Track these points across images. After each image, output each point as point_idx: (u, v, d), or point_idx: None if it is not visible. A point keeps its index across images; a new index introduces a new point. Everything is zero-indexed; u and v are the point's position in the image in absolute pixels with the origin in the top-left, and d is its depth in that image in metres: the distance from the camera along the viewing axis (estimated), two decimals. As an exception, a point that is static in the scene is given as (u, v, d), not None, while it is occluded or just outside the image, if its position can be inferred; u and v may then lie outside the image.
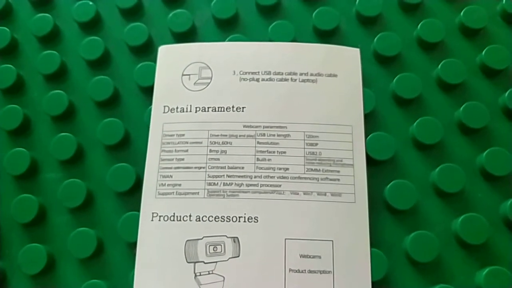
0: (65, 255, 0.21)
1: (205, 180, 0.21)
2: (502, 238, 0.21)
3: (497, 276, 0.20)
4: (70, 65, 0.25)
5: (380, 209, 0.21)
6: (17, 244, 0.22)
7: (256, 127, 0.21)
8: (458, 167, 0.22)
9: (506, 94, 0.23)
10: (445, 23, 0.25)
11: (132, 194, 0.22)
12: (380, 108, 0.23)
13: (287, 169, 0.21)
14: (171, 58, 0.23)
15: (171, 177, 0.21)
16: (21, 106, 0.24)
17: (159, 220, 0.20)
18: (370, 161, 0.21)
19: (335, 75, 0.22)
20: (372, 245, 0.20)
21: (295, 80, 0.22)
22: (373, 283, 0.19)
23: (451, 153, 0.23)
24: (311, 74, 0.22)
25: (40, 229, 0.22)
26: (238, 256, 0.20)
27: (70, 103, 0.24)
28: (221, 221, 0.20)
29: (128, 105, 0.24)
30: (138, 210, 0.20)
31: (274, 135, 0.21)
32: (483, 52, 0.24)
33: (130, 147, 0.23)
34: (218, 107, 0.22)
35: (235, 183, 0.21)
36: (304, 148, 0.21)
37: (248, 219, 0.20)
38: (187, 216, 0.20)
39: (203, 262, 0.20)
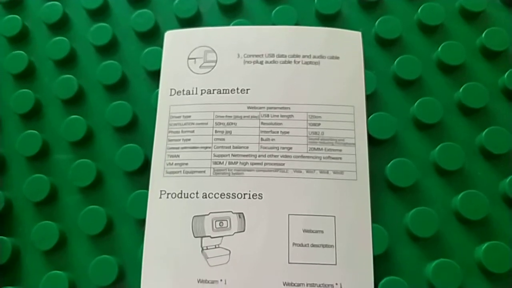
0: (76, 232, 0.22)
1: (211, 159, 0.21)
2: (501, 214, 0.22)
3: (496, 251, 0.20)
4: (79, 51, 0.26)
5: (382, 187, 0.22)
6: (30, 222, 0.22)
7: (260, 108, 0.22)
8: (458, 146, 0.22)
9: (506, 75, 0.23)
10: (445, 6, 0.25)
11: (140, 174, 0.22)
12: (382, 90, 0.24)
13: (291, 148, 0.21)
14: (177, 42, 0.24)
15: (178, 156, 0.22)
16: (33, 91, 0.24)
17: (167, 198, 0.21)
18: (372, 141, 0.22)
19: (337, 58, 0.23)
20: (373, 221, 0.20)
21: (298, 62, 0.23)
22: (374, 257, 0.20)
23: (451, 133, 0.23)
24: (314, 57, 0.23)
25: (52, 207, 0.23)
26: (243, 231, 0.20)
27: (80, 87, 0.24)
28: (226, 198, 0.21)
29: (136, 89, 0.25)
30: (147, 189, 0.21)
31: (277, 115, 0.22)
32: (483, 35, 0.24)
33: (138, 129, 0.24)
34: (223, 89, 0.22)
35: (240, 162, 0.21)
36: (307, 128, 0.22)
37: (252, 196, 0.21)
38: (194, 194, 0.21)
39: (209, 236, 0.20)
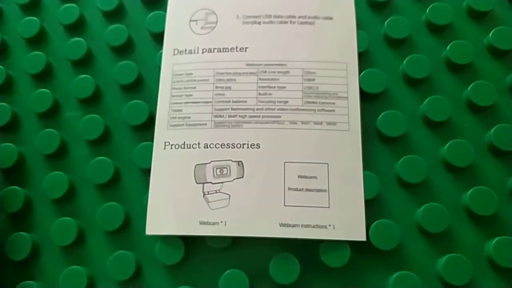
0: (84, 182, 0.24)
1: (211, 112, 0.23)
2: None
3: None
4: (88, 17, 0.27)
5: (373, 138, 0.23)
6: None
7: (258, 65, 0.23)
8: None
9: None
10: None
11: (145, 128, 0.24)
12: (373, 48, 0.25)
13: (287, 102, 0.23)
14: (179, 6, 0.25)
15: (181, 111, 0.23)
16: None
17: (171, 148, 0.22)
18: (364, 95, 0.23)
19: (331, 18, 0.24)
20: (365, 168, 0.22)
21: (294, 22, 0.24)
22: (366, 201, 0.21)
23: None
24: (309, 17, 0.24)
25: (62, 160, 0.24)
26: (242, 177, 0.22)
27: (89, 49, 0.26)
28: (226, 148, 0.22)
29: (141, 50, 0.26)
30: (152, 141, 0.22)
31: (274, 72, 0.23)
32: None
33: (143, 87, 0.25)
34: (223, 48, 0.24)
35: (239, 115, 0.23)
36: (302, 83, 0.23)
37: (251, 145, 0.22)
38: (196, 144, 0.22)
39: (210, 182, 0.22)
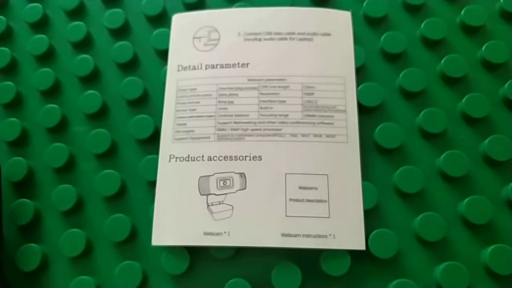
0: (92, 194, 0.24)
1: (215, 126, 0.24)
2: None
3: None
4: (95, 36, 0.28)
5: (371, 149, 0.24)
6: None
7: (259, 80, 0.24)
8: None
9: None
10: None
11: (151, 142, 0.25)
12: (370, 62, 0.26)
13: (287, 115, 0.24)
14: (183, 24, 0.26)
15: (185, 124, 0.24)
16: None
17: (176, 161, 0.23)
18: (362, 109, 0.24)
19: (329, 34, 0.25)
20: (363, 179, 0.22)
21: (293, 39, 0.25)
22: (365, 211, 0.22)
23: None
24: (308, 34, 0.25)
25: (71, 174, 0.25)
26: (244, 189, 0.22)
27: (95, 66, 0.27)
28: (229, 160, 0.23)
29: (147, 67, 0.27)
30: (157, 154, 0.23)
31: (275, 86, 0.24)
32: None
33: (149, 102, 0.26)
34: (225, 64, 0.25)
35: (241, 128, 0.23)
36: (302, 97, 0.24)
37: (253, 157, 0.23)
38: (200, 157, 0.23)
39: (214, 194, 0.22)
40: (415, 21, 0.27)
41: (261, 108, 0.24)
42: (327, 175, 0.22)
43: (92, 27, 0.28)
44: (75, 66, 0.27)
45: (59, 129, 0.26)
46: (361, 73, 0.25)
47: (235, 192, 0.22)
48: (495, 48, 0.25)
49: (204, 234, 0.22)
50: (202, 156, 0.23)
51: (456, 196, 0.23)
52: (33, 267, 0.23)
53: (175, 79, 0.25)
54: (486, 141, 0.23)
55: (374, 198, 0.22)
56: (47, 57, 0.28)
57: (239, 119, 0.24)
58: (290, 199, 0.22)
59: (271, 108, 0.24)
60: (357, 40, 0.26)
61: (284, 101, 0.24)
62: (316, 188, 0.22)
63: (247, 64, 0.25)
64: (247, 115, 0.24)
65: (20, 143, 0.26)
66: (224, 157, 0.23)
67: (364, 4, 0.27)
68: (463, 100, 0.24)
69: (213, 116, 0.24)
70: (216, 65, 0.25)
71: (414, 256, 0.22)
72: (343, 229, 0.21)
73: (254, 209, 0.22)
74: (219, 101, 0.24)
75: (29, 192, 0.25)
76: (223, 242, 0.21)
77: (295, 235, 0.21)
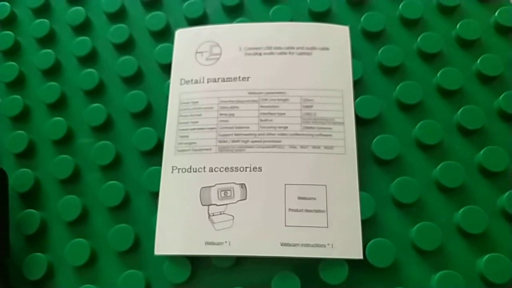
0: (97, 205, 0.25)
1: (216, 138, 0.24)
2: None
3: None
4: (100, 50, 0.29)
5: (368, 161, 0.25)
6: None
7: (259, 93, 0.25)
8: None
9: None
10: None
11: (154, 153, 0.25)
12: (367, 76, 0.26)
13: (286, 127, 0.24)
14: (186, 39, 0.27)
15: (188, 136, 0.24)
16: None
17: (178, 172, 0.24)
18: (359, 121, 0.25)
19: (327, 49, 0.26)
20: (361, 189, 0.23)
21: (293, 53, 0.26)
22: (362, 221, 0.22)
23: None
24: (307, 48, 0.26)
25: (76, 184, 0.26)
26: (245, 199, 0.23)
27: (101, 80, 0.28)
28: (230, 171, 0.23)
29: (150, 80, 0.28)
30: (160, 166, 0.24)
31: (274, 99, 0.25)
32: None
33: (152, 115, 0.27)
34: (227, 78, 0.25)
35: (241, 140, 0.24)
36: (301, 110, 0.24)
37: (253, 168, 0.23)
38: (201, 168, 0.24)
39: (215, 204, 0.23)
40: (411, 35, 0.27)
41: (261, 120, 0.24)
42: (326, 185, 0.23)
43: (97, 41, 0.29)
44: (80, 80, 0.27)
45: (65, 141, 0.27)
46: (359, 86, 0.26)
47: (235, 202, 0.23)
48: (490, 61, 0.26)
49: (206, 243, 0.22)
50: (204, 168, 0.24)
51: (452, 206, 0.24)
52: (39, 276, 0.23)
53: (177, 93, 0.25)
54: (481, 152, 0.24)
55: (371, 208, 0.23)
56: (53, 71, 0.29)
57: (240, 131, 0.24)
58: (290, 209, 0.23)
59: (271, 120, 0.24)
60: (355, 54, 0.26)
61: (284, 113, 0.24)
62: (314, 199, 0.23)
63: (248, 77, 0.25)
64: (248, 127, 0.24)
65: (27, 155, 0.27)
66: (225, 168, 0.23)
67: (362, 19, 0.27)
68: (459, 112, 0.25)
69: (215, 128, 0.24)
70: (218, 78, 0.25)
71: (411, 265, 0.23)
72: (341, 238, 0.22)
73: (254, 219, 0.22)
74: (220, 114, 0.25)
75: (36, 202, 0.25)
76: (224, 251, 0.22)
77: (294, 245, 0.22)
